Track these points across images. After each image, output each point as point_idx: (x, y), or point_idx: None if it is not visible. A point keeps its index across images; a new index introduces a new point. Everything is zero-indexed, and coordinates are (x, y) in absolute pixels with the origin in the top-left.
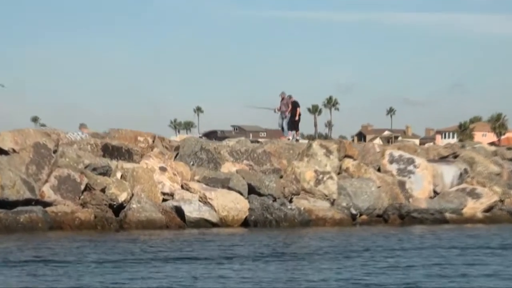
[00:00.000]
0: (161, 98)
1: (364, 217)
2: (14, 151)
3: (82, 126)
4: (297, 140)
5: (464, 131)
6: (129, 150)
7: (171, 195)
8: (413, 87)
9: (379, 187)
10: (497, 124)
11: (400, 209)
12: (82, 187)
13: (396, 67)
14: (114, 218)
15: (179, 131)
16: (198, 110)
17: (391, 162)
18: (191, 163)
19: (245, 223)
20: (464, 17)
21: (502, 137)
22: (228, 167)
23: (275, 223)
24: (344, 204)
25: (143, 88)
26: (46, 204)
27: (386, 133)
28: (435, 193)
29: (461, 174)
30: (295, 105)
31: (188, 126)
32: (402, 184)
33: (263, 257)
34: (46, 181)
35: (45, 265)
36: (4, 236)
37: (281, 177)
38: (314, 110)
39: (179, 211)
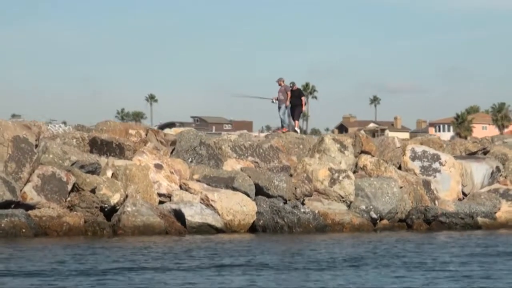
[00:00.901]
0: (104, 85)
1: (384, 221)
2: None
3: (15, 116)
4: (295, 131)
5: (461, 123)
6: (120, 145)
7: (168, 196)
8: (396, 73)
9: (401, 187)
10: (499, 115)
11: (425, 213)
12: (69, 187)
13: (376, 50)
14: (107, 222)
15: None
16: (151, 98)
17: (413, 159)
18: (190, 159)
19: (252, 229)
20: None
21: (505, 130)
22: (232, 165)
23: (287, 229)
24: (363, 207)
25: (84, 74)
26: (28, 207)
27: (372, 125)
28: (463, 194)
29: (492, 173)
30: (299, 93)
31: (137, 116)
32: (426, 184)
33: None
34: (28, 180)
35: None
36: None
37: (291, 175)
38: None
39: (178, 215)
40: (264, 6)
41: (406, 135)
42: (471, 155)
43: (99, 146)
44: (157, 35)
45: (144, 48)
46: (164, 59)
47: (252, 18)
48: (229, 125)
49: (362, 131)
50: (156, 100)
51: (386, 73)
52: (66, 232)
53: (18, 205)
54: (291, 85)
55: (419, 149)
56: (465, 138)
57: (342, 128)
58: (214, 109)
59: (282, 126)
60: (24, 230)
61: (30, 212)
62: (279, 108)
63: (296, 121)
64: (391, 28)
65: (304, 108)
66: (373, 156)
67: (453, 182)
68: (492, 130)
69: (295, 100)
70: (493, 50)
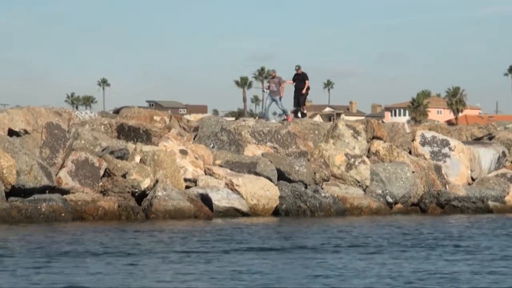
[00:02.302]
0: (52, 69)
1: (399, 205)
2: (26, 132)
3: None
4: (303, 116)
5: (417, 107)
6: (147, 131)
7: (194, 181)
8: (342, 57)
9: (413, 172)
10: (454, 99)
11: (438, 197)
12: (101, 172)
13: (322, 34)
14: (139, 207)
15: (77, 107)
16: (104, 83)
17: (423, 144)
18: (211, 145)
19: (275, 213)
20: None
21: (460, 114)
22: (252, 150)
23: (309, 213)
24: (379, 191)
25: (29, 57)
26: (62, 192)
27: (327, 109)
28: (472, 179)
29: (499, 158)
30: (304, 77)
31: (87, 101)
32: (438, 169)
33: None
34: (62, 166)
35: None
36: (37, 226)
37: (308, 160)
38: (243, 82)
39: (205, 199)
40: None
41: (361, 118)
42: (477, 140)
43: (126, 132)
44: (107, 19)
45: (97, 32)
46: (115, 44)
47: (198, 7)
48: (184, 109)
49: (317, 116)
50: (108, 85)
51: (331, 58)
52: (102, 216)
53: (53, 189)
54: (297, 68)
55: (428, 134)
56: (420, 122)
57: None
58: (169, 94)
59: (286, 115)
60: (63, 214)
61: (65, 196)
62: (273, 99)
63: (302, 106)
64: (323, 15)
65: (304, 91)
66: (384, 141)
67: (462, 167)
68: (447, 115)
69: (300, 83)
70: (429, 35)
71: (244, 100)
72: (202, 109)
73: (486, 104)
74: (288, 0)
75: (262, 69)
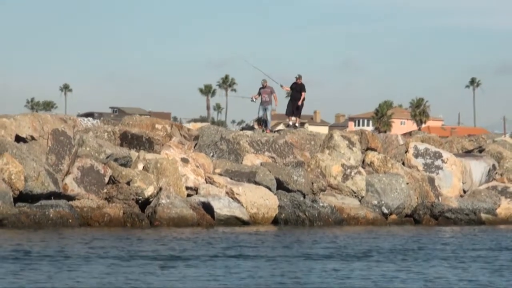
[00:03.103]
0: (13, 74)
1: (393, 216)
2: (32, 138)
3: None
4: (295, 127)
5: (381, 118)
6: (149, 139)
7: (195, 189)
8: (298, 65)
9: (407, 183)
10: (417, 110)
11: (432, 208)
12: (106, 179)
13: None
14: (143, 214)
15: (37, 112)
16: (65, 88)
17: (416, 156)
18: (211, 154)
19: (274, 222)
20: None
21: (423, 125)
22: (251, 159)
23: (308, 222)
24: (375, 202)
25: None
26: (68, 198)
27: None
28: (463, 191)
29: (489, 171)
30: (301, 88)
31: (48, 106)
32: (431, 181)
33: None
34: (68, 172)
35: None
36: (45, 231)
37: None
38: (207, 90)
39: (207, 207)
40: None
41: (325, 129)
42: (468, 152)
43: (129, 140)
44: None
45: (58, 36)
46: (77, 49)
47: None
48: (147, 116)
49: (280, 125)
50: (70, 90)
51: (288, 66)
52: (107, 223)
53: (59, 196)
54: (297, 77)
55: (421, 146)
56: (385, 132)
57: (260, 121)
58: (132, 100)
59: (267, 127)
60: (70, 220)
61: (71, 202)
62: (265, 109)
63: (297, 117)
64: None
65: (300, 102)
66: (379, 153)
67: (455, 179)
68: (410, 126)
69: (296, 94)
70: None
71: (208, 107)
72: (165, 116)
73: (448, 115)
74: (249, 6)
75: (226, 77)
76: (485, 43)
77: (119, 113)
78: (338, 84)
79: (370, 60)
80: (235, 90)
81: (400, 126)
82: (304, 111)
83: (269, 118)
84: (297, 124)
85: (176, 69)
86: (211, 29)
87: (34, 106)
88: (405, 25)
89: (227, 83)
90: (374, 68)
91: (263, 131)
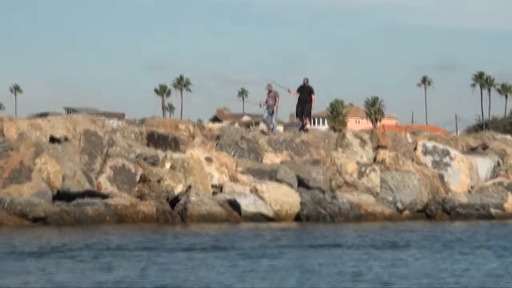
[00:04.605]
0: None
1: (407, 212)
2: (66, 139)
3: None
4: (306, 130)
5: (336, 117)
6: (175, 139)
7: (220, 187)
8: (244, 65)
9: (418, 180)
10: (372, 109)
11: (444, 204)
12: (137, 178)
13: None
14: (174, 211)
15: None
16: (16, 89)
17: (425, 153)
18: (232, 153)
19: (296, 218)
20: None
21: (378, 124)
22: (271, 158)
23: (329, 218)
24: (390, 198)
25: None
26: (102, 196)
27: (246, 118)
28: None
29: (494, 167)
30: (310, 91)
31: None
32: (441, 177)
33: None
34: (100, 171)
35: None
36: (87, 229)
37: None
38: (162, 91)
39: (233, 204)
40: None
41: (280, 128)
42: (472, 150)
43: (155, 140)
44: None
45: (6, 36)
46: (27, 49)
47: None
48: (102, 117)
49: (236, 124)
50: (21, 91)
51: (234, 66)
52: (141, 220)
53: (93, 194)
54: (305, 80)
55: (429, 144)
56: (340, 131)
57: (216, 121)
58: (86, 101)
59: (272, 130)
60: (108, 218)
61: (105, 201)
62: (271, 113)
63: (307, 119)
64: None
65: (313, 105)
66: (389, 151)
67: (463, 175)
68: (365, 124)
69: (305, 96)
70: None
71: (163, 108)
72: (120, 116)
73: (401, 114)
74: (191, 6)
75: (181, 77)
76: (430, 41)
77: (73, 113)
78: (287, 84)
79: (319, 59)
80: (190, 90)
81: (355, 124)
82: (259, 110)
83: (274, 122)
84: (307, 127)
85: (128, 70)
86: (161, 29)
87: None
88: (357, 21)
89: (182, 83)
90: (322, 67)
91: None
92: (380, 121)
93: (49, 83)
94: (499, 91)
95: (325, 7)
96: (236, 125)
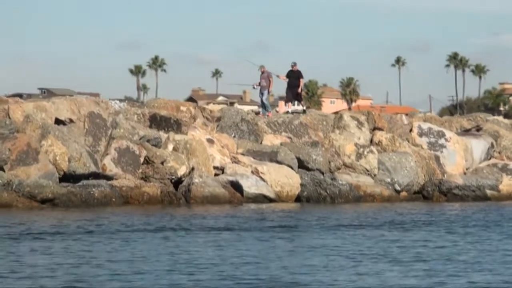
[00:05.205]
0: None
1: (404, 193)
2: (71, 120)
3: None
4: (304, 111)
5: (311, 97)
6: (177, 121)
7: (221, 169)
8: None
9: (415, 161)
10: (348, 90)
11: (440, 185)
12: (141, 159)
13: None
14: (178, 192)
15: None
16: None
17: (420, 135)
18: (233, 135)
19: (297, 199)
20: None
21: (353, 104)
22: (270, 140)
23: (329, 199)
24: (387, 180)
25: None
26: (106, 178)
27: (221, 98)
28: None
29: (488, 149)
30: (298, 75)
31: None
32: (436, 159)
33: None
34: (105, 153)
35: None
36: (95, 210)
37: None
38: (137, 71)
39: (235, 186)
40: None
41: (255, 108)
42: (466, 131)
43: (158, 121)
44: None
45: None
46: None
47: None
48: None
49: (211, 104)
50: None
51: (202, 48)
52: (146, 201)
53: (97, 176)
54: (292, 64)
55: (425, 126)
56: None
57: (191, 101)
58: (60, 81)
59: (267, 111)
60: (114, 199)
61: (110, 182)
62: (262, 93)
63: (300, 101)
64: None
65: (300, 89)
66: (386, 132)
67: (458, 157)
68: (340, 105)
69: (294, 80)
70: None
71: (138, 88)
72: (94, 96)
73: (376, 95)
74: None
75: (156, 57)
76: (404, 22)
77: (47, 94)
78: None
79: (288, 39)
80: (165, 71)
81: (330, 105)
82: (233, 91)
83: (265, 101)
84: (304, 108)
85: (101, 50)
86: (135, 9)
87: None
88: (327, 2)
89: (157, 63)
90: (293, 48)
91: (262, 113)
92: (355, 101)
93: (20, 62)
94: (473, 71)
95: None
96: (211, 106)
